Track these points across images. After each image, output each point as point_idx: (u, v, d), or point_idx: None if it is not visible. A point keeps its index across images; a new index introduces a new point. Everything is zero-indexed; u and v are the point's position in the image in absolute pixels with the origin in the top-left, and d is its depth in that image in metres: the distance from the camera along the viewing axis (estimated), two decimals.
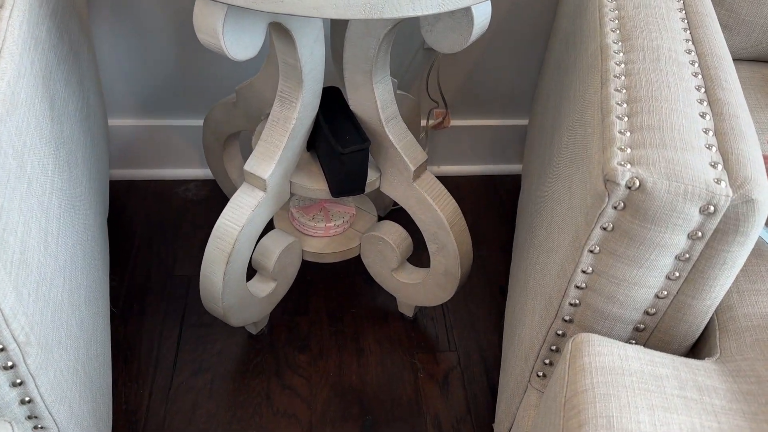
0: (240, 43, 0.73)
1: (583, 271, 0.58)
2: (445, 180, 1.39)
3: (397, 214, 1.24)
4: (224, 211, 0.92)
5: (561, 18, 1.01)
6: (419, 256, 1.22)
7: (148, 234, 1.23)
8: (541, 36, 1.25)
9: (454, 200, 0.97)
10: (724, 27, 0.89)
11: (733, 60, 0.93)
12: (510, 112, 1.35)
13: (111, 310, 1.09)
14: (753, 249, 0.64)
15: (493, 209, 1.34)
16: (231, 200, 0.92)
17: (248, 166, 0.91)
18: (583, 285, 0.58)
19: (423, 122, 1.32)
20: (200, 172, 1.34)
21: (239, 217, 0.91)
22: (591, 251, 0.56)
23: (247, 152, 1.34)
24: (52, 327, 0.60)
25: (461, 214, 0.98)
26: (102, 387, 0.82)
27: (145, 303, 1.11)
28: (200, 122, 1.29)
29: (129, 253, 1.19)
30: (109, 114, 1.27)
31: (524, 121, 1.36)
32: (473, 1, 0.68)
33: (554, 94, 0.88)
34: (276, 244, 1.01)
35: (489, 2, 0.71)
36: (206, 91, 1.25)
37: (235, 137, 1.18)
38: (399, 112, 0.94)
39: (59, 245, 0.66)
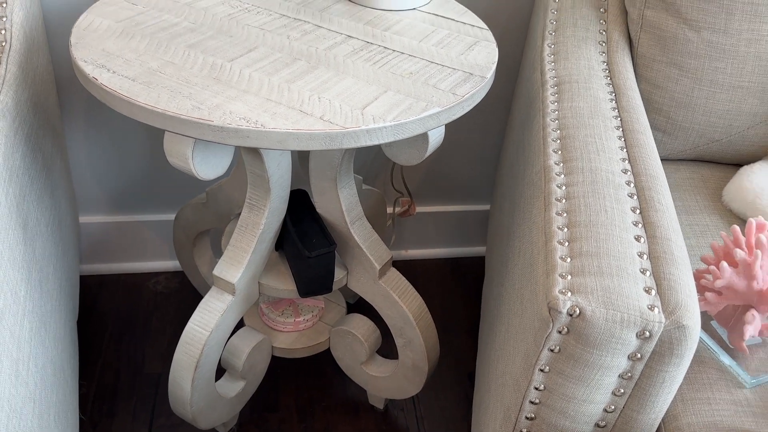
0: (209, 166, 0.77)
1: (536, 388, 0.61)
2: (413, 263, 1.43)
3: (366, 301, 1.27)
4: (193, 315, 0.93)
5: (514, 118, 1.08)
6: (391, 344, 1.24)
7: (119, 330, 1.23)
8: (499, 127, 1.32)
9: (419, 296, 1.01)
10: (663, 132, 0.96)
11: (674, 160, 1.00)
12: (472, 197, 1.40)
13: (80, 418, 1.08)
14: (695, 355, 0.68)
15: (460, 291, 1.38)
16: (200, 305, 0.94)
17: (217, 271, 0.93)
18: (537, 401, 0.61)
19: (390, 209, 1.37)
20: (170, 264, 1.36)
21: (208, 322, 0.92)
22: (541, 370, 0.59)
23: (217, 247, 1.36)
24: None
25: (427, 310, 1.01)
26: None
27: (115, 404, 1.11)
28: (171, 216, 1.32)
29: (99, 351, 1.19)
30: (80, 211, 1.29)
31: (486, 206, 1.42)
32: (426, 128, 0.73)
33: (508, 196, 0.93)
34: (245, 343, 1.03)
35: (443, 126, 0.77)
36: (177, 188, 1.29)
37: (206, 234, 1.21)
38: (364, 211, 0.98)
39: (30, 370, 0.67)
